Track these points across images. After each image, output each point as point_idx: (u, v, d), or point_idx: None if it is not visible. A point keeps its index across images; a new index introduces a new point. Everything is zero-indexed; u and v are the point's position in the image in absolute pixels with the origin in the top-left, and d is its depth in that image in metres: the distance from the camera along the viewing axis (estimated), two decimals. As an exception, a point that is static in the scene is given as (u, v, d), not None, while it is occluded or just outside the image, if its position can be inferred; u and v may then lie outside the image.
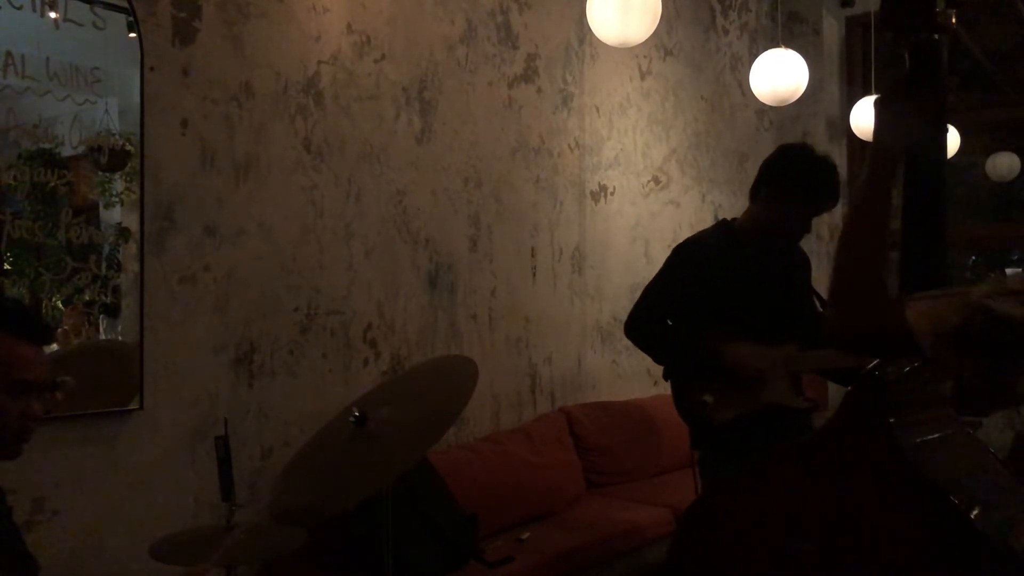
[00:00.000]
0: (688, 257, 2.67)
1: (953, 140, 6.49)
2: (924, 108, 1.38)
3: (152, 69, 2.61)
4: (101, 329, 2.54)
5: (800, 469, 1.48)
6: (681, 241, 2.79)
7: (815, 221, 2.63)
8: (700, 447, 2.73)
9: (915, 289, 1.35)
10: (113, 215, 2.58)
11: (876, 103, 1.40)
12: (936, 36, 1.40)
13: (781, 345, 2.58)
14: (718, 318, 2.57)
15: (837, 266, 1.30)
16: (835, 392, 5.16)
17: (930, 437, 1.41)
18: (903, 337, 1.18)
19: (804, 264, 2.81)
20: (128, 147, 2.55)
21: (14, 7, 2.32)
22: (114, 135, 2.53)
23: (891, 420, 1.36)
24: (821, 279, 5.23)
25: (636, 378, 4.52)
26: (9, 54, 2.32)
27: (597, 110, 4.30)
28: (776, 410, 2.54)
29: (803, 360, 2.61)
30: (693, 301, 2.61)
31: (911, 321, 1.18)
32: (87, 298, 2.47)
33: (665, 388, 4.68)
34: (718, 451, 2.62)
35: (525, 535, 3.20)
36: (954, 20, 1.40)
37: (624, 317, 4.41)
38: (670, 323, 2.68)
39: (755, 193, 2.64)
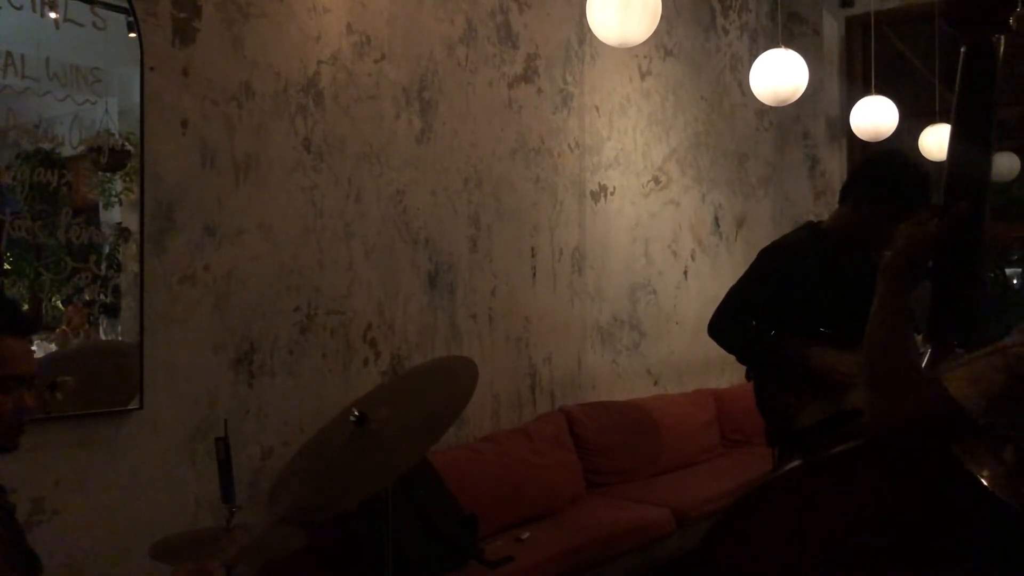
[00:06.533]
0: (774, 260, 2.70)
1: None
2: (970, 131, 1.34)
3: (152, 69, 2.61)
4: (101, 329, 2.54)
5: (850, 476, 1.46)
6: (768, 244, 2.81)
7: None
8: (779, 447, 2.73)
9: (946, 320, 1.31)
10: (113, 215, 2.57)
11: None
12: (994, 38, 1.34)
13: None
14: (803, 321, 2.59)
15: (869, 357, 1.29)
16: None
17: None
18: (949, 412, 1.15)
19: None
20: (128, 147, 2.55)
21: (14, 7, 2.32)
22: (114, 135, 2.53)
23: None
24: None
25: (636, 378, 4.53)
26: (9, 54, 2.32)
27: (597, 110, 4.30)
28: (859, 417, 2.54)
29: None
30: (779, 303, 2.63)
31: (954, 393, 1.15)
32: (87, 298, 2.47)
33: (665, 388, 4.71)
34: (797, 453, 2.61)
35: (525, 535, 3.19)
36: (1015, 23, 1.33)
37: (623, 316, 4.45)
38: (755, 324, 2.69)
39: (845, 196, 2.66)
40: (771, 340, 2.66)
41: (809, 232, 2.75)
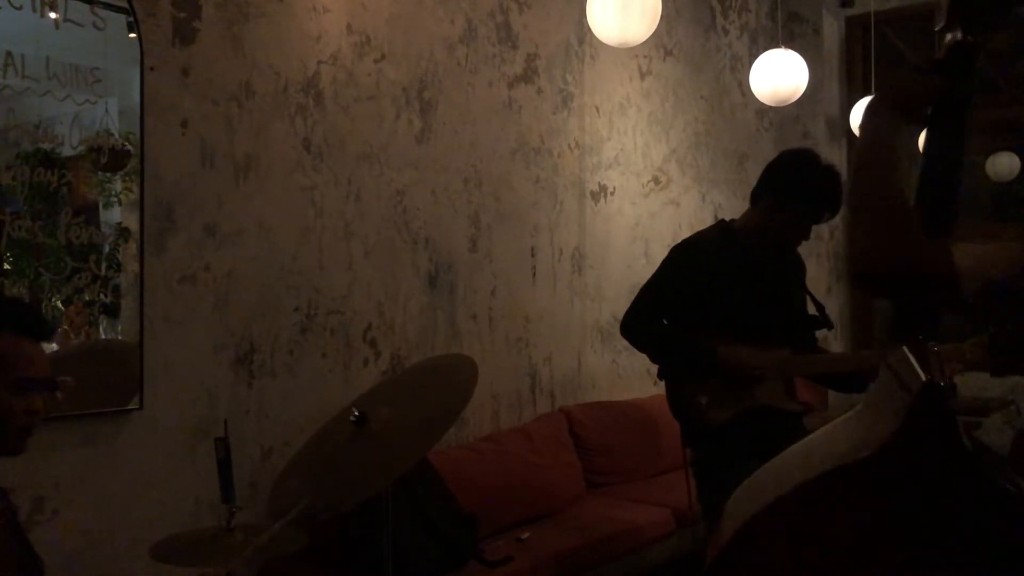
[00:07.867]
0: (685, 257, 2.68)
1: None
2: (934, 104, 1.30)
3: (152, 69, 2.61)
4: (101, 329, 2.54)
5: (861, 489, 1.42)
6: (679, 241, 2.80)
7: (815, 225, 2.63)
8: (693, 446, 2.73)
9: (914, 313, 1.27)
10: (113, 215, 2.57)
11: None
12: (976, 38, 1.32)
13: (776, 347, 2.59)
14: (714, 319, 2.58)
15: (861, 199, 1.19)
16: (835, 394, 5.16)
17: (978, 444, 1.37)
18: (943, 278, 1.08)
19: (800, 268, 2.83)
20: (128, 147, 2.55)
21: (14, 7, 2.32)
22: (114, 135, 2.53)
23: (960, 432, 1.30)
24: (820, 278, 5.25)
25: (636, 378, 4.52)
26: (9, 54, 2.32)
27: (597, 110, 4.30)
28: (769, 412, 2.55)
29: (797, 363, 2.64)
30: (689, 301, 2.61)
31: (958, 262, 1.08)
32: (87, 298, 2.47)
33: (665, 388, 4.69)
34: (711, 450, 2.62)
35: (525, 535, 3.19)
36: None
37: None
38: (666, 323, 2.68)
39: (756, 196, 2.65)
40: (681, 338, 2.64)
41: (721, 230, 2.74)
